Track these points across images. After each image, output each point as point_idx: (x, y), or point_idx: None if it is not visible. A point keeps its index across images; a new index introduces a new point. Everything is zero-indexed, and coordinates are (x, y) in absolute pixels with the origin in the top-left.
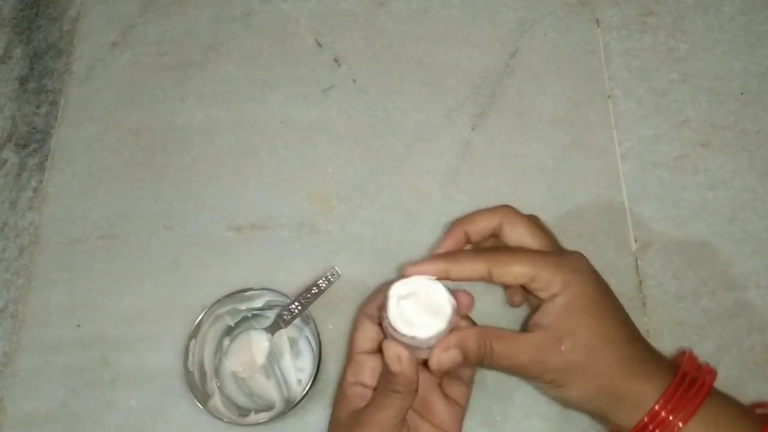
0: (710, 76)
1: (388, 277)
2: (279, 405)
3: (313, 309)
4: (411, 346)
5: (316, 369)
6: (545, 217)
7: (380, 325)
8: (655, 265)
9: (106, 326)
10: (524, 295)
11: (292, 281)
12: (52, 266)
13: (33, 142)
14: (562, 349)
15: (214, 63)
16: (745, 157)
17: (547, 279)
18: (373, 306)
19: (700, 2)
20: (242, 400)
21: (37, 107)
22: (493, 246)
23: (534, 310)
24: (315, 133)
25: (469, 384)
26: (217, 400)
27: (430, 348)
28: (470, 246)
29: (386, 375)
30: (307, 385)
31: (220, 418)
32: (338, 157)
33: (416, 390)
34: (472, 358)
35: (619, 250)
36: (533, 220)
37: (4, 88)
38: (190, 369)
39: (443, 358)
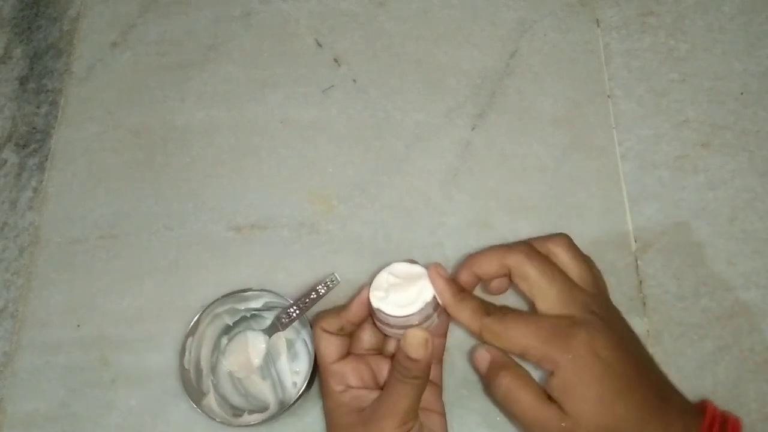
0: (710, 76)
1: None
2: (273, 407)
3: (313, 310)
4: (399, 325)
5: (311, 372)
6: (545, 218)
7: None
8: (655, 265)
9: (106, 326)
10: (507, 282)
11: (292, 281)
12: (52, 266)
13: (33, 142)
14: (563, 426)
15: (214, 63)
16: (745, 157)
17: (541, 357)
18: (332, 323)
19: (700, 2)
20: (237, 400)
21: (37, 107)
22: (499, 307)
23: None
24: (315, 133)
25: (440, 361)
26: (211, 399)
27: (402, 330)
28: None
29: (404, 363)
30: (301, 388)
31: (213, 418)
32: (338, 157)
33: (429, 375)
34: (492, 392)
35: (619, 250)
36: (547, 265)
37: (4, 88)
38: (186, 367)
39: (478, 359)
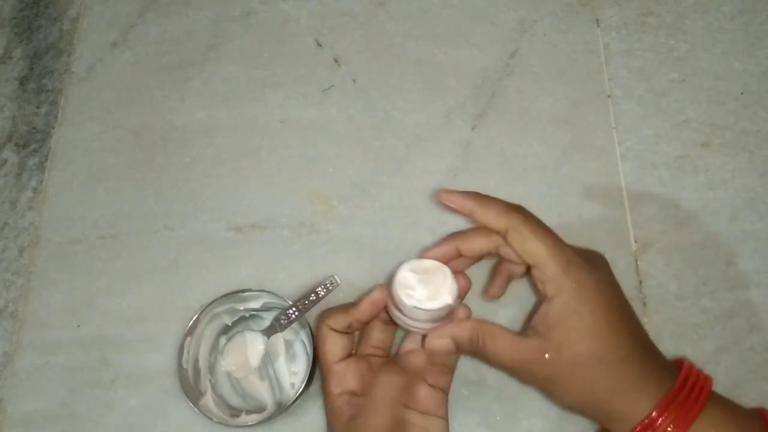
0: (710, 76)
1: (387, 278)
2: (270, 407)
3: (312, 310)
4: (431, 319)
5: (309, 373)
6: (545, 217)
7: (386, 313)
8: (655, 265)
9: (106, 326)
10: (504, 287)
11: (292, 281)
12: (52, 266)
13: (33, 142)
14: (546, 357)
15: (214, 63)
16: (745, 157)
17: (550, 273)
18: (340, 321)
19: (700, 2)
20: (235, 401)
21: (37, 107)
22: None
23: (537, 306)
24: (315, 133)
25: (451, 372)
26: (209, 399)
27: (433, 324)
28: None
29: (407, 357)
30: (299, 389)
31: (210, 418)
32: (338, 157)
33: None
34: (463, 349)
35: (619, 250)
36: (543, 226)
37: (4, 88)
38: (184, 366)
39: (436, 344)
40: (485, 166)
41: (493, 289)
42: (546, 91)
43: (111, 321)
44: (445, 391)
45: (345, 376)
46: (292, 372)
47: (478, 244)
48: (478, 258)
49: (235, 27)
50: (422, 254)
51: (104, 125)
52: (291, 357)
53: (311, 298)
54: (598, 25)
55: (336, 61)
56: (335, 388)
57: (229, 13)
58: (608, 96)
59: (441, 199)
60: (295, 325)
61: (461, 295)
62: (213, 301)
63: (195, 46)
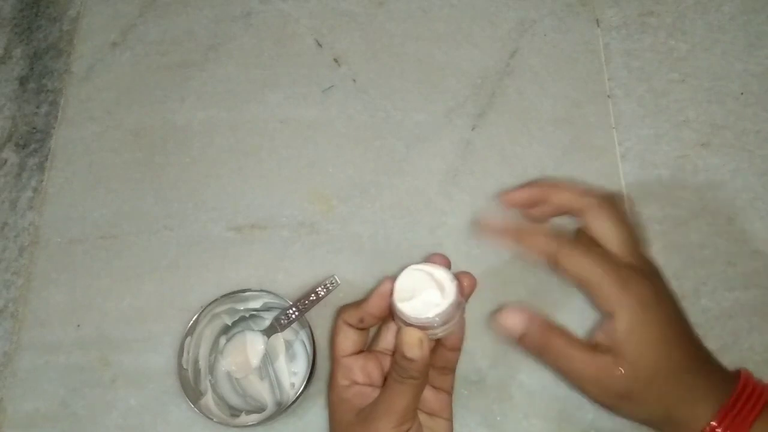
0: (710, 76)
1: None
2: (270, 407)
3: (313, 310)
4: (422, 328)
5: (309, 373)
6: None
7: (391, 319)
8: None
9: (106, 326)
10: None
11: (292, 281)
12: (52, 266)
13: (33, 142)
14: (621, 373)
15: (214, 63)
16: (745, 157)
17: (607, 294)
18: (353, 315)
19: (700, 2)
20: (235, 401)
21: (37, 107)
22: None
23: (599, 321)
24: (315, 133)
25: (452, 372)
26: (209, 399)
27: (439, 328)
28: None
29: (401, 363)
30: (299, 389)
31: (210, 418)
32: (338, 157)
33: (428, 375)
34: (530, 341)
35: None
36: (619, 217)
37: (4, 88)
38: (184, 366)
39: (509, 320)
40: (485, 166)
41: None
42: (546, 91)
43: (111, 321)
44: (448, 393)
45: (352, 368)
46: (292, 372)
47: (567, 197)
48: (559, 213)
49: (235, 27)
50: (503, 196)
51: (104, 125)
52: (291, 357)
53: (311, 298)
54: (598, 25)
55: (336, 61)
56: (342, 380)
57: (229, 13)
58: (608, 96)
59: (506, 200)
60: (295, 325)
61: (466, 291)
62: (213, 301)
63: (195, 46)
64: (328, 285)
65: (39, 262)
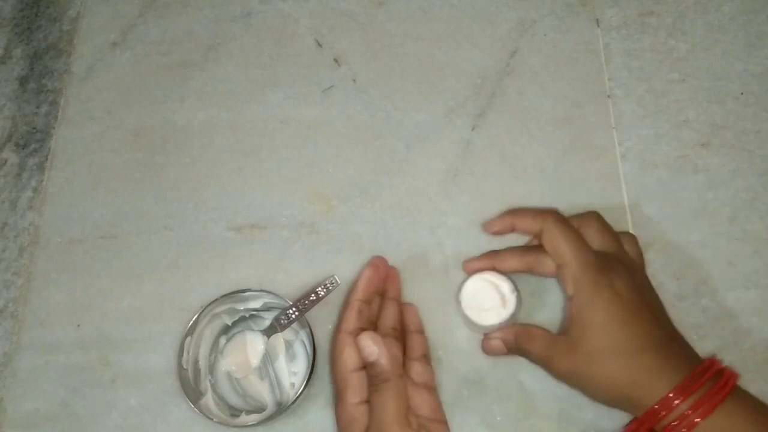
0: (710, 76)
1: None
2: (270, 407)
3: (313, 310)
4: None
5: (309, 374)
6: None
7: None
8: (655, 264)
9: (105, 326)
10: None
11: (292, 281)
12: (52, 266)
13: (33, 142)
14: (569, 355)
15: (214, 63)
16: (745, 156)
17: (572, 273)
18: (353, 321)
19: (700, 2)
20: (235, 401)
21: (37, 107)
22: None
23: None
24: (315, 133)
25: (427, 363)
26: (209, 399)
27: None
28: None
29: (369, 371)
30: (299, 389)
31: (210, 418)
32: (338, 157)
33: (401, 374)
34: (510, 349)
35: None
36: (572, 230)
37: (4, 88)
38: (184, 366)
39: (491, 344)
40: (485, 166)
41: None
42: (546, 91)
43: (111, 321)
44: (431, 388)
45: (362, 386)
46: (292, 372)
47: (512, 263)
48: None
49: (235, 27)
50: (483, 226)
51: (104, 125)
52: (291, 357)
53: (311, 298)
54: (598, 25)
55: (336, 61)
56: (352, 398)
57: (229, 13)
58: (608, 96)
59: (486, 229)
60: (295, 325)
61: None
62: (213, 301)
63: (195, 46)
64: (328, 285)
65: (39, 262)
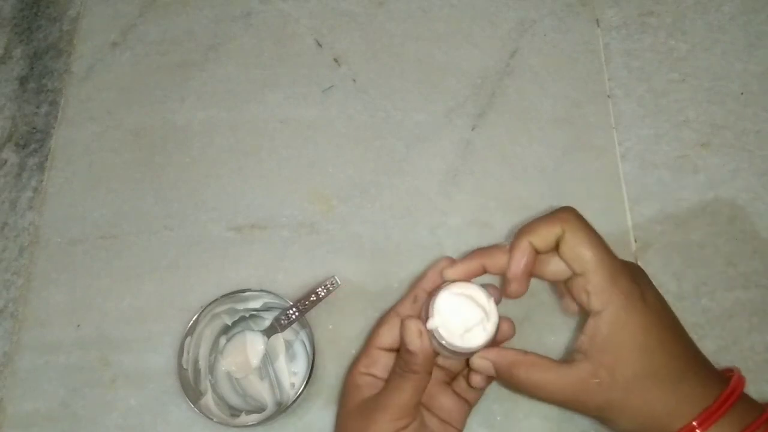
0: (710, 76)
1: (387, 277)
2: (270, 407)
3: (313, 310)
4: (451, 351)
5: (309, 374)
6: None
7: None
8: (655, 265)
9: (105, 326)
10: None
11: (292, 281)
12: (52, 266)
13: (33, 141)
14: (597, 383)
15: (214, 63)
16: (745, 157)
17: (598, 285)
18: (407, 306)
19: (700, 2)
20: (235, 401)
21: (37, 107)
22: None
23: (581, 327)
24: (315, 133)
25: (480, 392)
26: (209, 399)
27: (458, 355)
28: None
29: (403, 355)
30: (299, 389)
31: (210, 418)
32: (338, 157)
33: (431, 371)
34: (502, 378)
35: (619, 250)
36: (595, 233)
37: (4, 88)
38: (184, 366)
39: (478, 364)
40: (485, 166)
41: (569, 304)
42: (546, 91)
43: (111, 321)
44: (470, 404)
45: (376, 362)
46: (292, 372)
47: (502, 260)
48: (551, 250)
49: (235, 27)
50: (447, 270)
51: (104, 125)
52: (291, 357)
53: (311, 299)
54: (598, 25)
55: (336, 61)
56: (363, 367)
57: (229, 13)
58: (608, 96)
59: (447, 275)
60: (295, 325)
61: (501, 340)
62: (213, 301)
63: (195, 46)
64: (329, 285)
65: (39, 262)
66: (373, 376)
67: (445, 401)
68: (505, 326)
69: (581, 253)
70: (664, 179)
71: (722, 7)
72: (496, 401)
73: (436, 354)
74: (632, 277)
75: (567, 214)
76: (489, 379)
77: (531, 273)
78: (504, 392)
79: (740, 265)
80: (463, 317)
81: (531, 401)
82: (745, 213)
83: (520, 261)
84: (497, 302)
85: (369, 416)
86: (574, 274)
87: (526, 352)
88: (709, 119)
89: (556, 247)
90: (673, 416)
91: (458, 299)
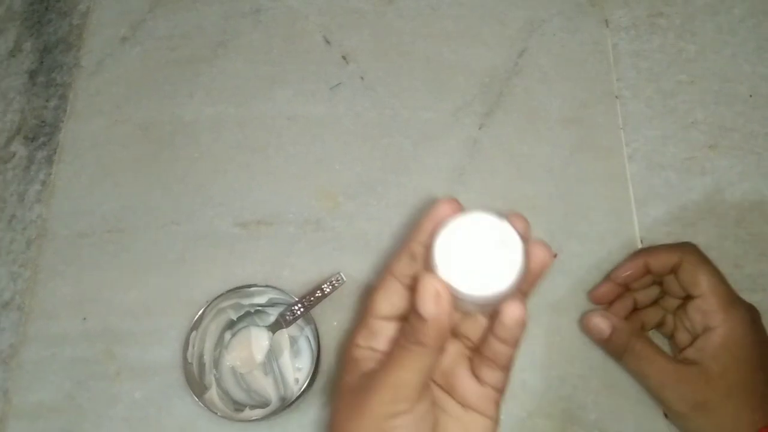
0: (719, 77)
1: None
2: (275, 402)
3: (318, 306)
4: (461, 300)
5: (313, 370)
6: (552, 217)
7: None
8: None
9: (111, 319)
10: (612, 296)
11: (297, 278)
12: (59, 259)
13: (42, 135)
14: (704, 386)
15: (222, 59)
16: (752, 159)
17: (715, 305)
18: (405, 265)
19: (709, 4)
20: (239, 395)
21: (47, 101)
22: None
23: (682, 347)
24: (322, 130)
25: (502, 369)
26: (213, 393)
27: (484, 305)
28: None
29: (412, 322)
30: (303, 385)
31: (214, 412)
32: (345, 155)
33: (443, 345)
34: (616, 341)
35: (625, 250)
36: (712, 264)
37: (13, 81)
38: (189, 360)
39: (595, 322)
40: (492, 165)
41: (602, 294)
42: (554, 91)
43: (117, 314)
44: (496, 390)
45: (377, 335)
46: (297, 368)
47: (664, 257)
48: (662, 276)
49: (244, 23)
50: (612, 274)
51: (113, 119)
52: (295, 353)
53: (317, 295)
54: (607, 26)
55: (344, 58)
56: (361, 340)
57: (239, 9)
58: (616, 96)
59: (614, 278)
60: (300, 321)
61: (537, 270)
62: (218, 296)
63: (204, 42)
64: (334, 282)
65: (46, 255)
66: (374, 349)
67: (467, 383)
68: (537, 251)
69: (698, 279)
70: (671, 180)
71: (732, 9)
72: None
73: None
74: (747, 306)
75: (687, 246)
76: (522, 328)
77: (623, 289)
78: (507, 391)
79: (747, 267)
80: (480, 256)
81: (533, 400)
82: (752, 215)
83: (627, 269)
84: (522, 233)
85: (363, 396)
86: (691, 297)
87: (641, 332)
88: (717, 121)
89: (672, 273)
90: (752, 425)
91: (467, 235)
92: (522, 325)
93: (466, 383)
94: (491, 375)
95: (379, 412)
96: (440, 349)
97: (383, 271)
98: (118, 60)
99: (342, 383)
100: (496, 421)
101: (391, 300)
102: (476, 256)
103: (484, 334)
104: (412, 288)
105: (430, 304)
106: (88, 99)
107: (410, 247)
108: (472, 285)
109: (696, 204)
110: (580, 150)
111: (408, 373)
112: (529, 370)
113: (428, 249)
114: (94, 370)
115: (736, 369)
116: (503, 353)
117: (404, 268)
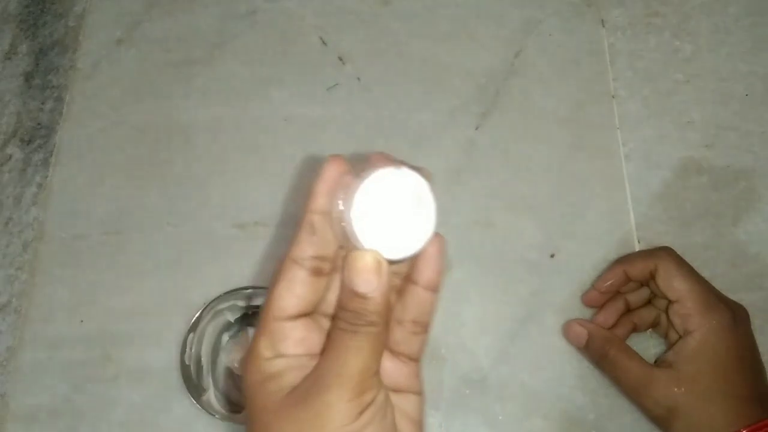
0: (715, 77)
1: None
2: None
3: None
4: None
5: None
6: (548, 217)
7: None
8: None
9: (109, 322)
10: (614, 317)
11: None
12: (56, 262)
13: (38, 137)
14: (675, 390)
15: (219, 60)
16: (749, 158)
17: (691, 309)
18: (306, 244)
19: (705, 3)
20: (237, 397)
21: (42, 103)
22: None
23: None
24: (319, 132)
25: (425, 328)
26: (211, 395)
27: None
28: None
29: (350, 304)
30: None
31: (212, 414)
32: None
33: (390, 321)
34: (591, 349)
35: (622, 250)
36: (689, 267)
37: (9, 83)
38: (187, 362)
39: (575, 330)
40: (489, 165)
41: (591, 299)
42: (550, 91)
43: (114, 317)
44: (415, 360)
45: (284, 339)
46: None
47: (640, 265)
48: (644, 281)
49: (240, 25)
50: (596, 284)
51: (109, 122)
52: None
53: None
54: (604, 25)
55: (341, 59)
56: (266, 351)
57: (235, 11)
58: (613, 96)
59: (597, 287)
60: None
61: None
62: (216, 298)
63: (200, 44)
64: None
65: (43, 258)
66: (286, 355)
67: (392, 368)
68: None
69: (674, 283)
70: (668, 180)
71: (728, 8)
72: (498, 401)
73: None
74: (724, 306)
75: (662, 252)
76: (440, 269)
77: (613, 293)
78: (506, 392)
79: (743, 267)
80: (395, 215)
81: (531, 401)
82: (748, 215)
83: (607, 279)
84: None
85: (314, 400)
86: (670, 302)
87: (617, 339)
88: (713, 120)
89: (652, 278)
90: (731, 428)
91: (376, 197)
92: (444, 253)
93: (390, 368)
94: (412, 343)
95: (347, 412)
96: (388, 325)
97: (280, 261)
98: (114, 62)
99: (264, 410)
100: (422, 394)
101: (295, 291)
102: (391, 217)
103: (401, 296)
104: (317, 271)
105: (373, 277)
106: (84, 101)
107: (308, 219)
108: (395, 248)
109: (692, 203)
110: (577, 150)
111: (364, 358)
112: (527, 371)
113: (330, 216)
114: (92, 373)
115: (711, 372)
116: (427, 302)
117: (305, 248)
